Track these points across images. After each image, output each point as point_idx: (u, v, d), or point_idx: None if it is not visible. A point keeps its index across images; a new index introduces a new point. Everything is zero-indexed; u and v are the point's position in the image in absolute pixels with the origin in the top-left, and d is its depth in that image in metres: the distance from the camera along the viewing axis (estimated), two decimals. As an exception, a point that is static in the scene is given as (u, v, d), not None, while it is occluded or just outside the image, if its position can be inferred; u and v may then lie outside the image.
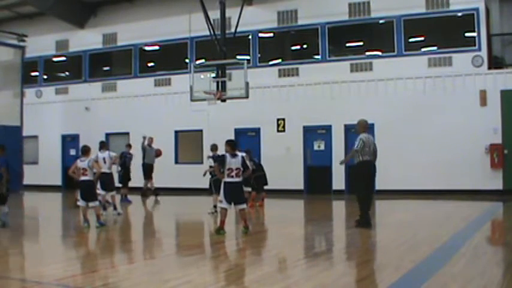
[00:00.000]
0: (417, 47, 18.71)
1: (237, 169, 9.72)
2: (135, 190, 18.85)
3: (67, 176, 13.85)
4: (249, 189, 14.10)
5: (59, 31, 23.88)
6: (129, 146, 17.40)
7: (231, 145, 9.94)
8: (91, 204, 11.08)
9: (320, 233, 11.00)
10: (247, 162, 10.14)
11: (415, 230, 10.30)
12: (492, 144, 17.33)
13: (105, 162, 13.60)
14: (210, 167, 13.50)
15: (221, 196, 9.86)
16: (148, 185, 18.39)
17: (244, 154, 10.42)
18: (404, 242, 9.24)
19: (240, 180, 9.82)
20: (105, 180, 13.38)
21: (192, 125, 20.92)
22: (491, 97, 17.54)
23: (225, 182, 9.78)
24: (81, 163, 11.06)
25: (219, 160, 10.07)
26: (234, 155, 9.80)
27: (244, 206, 9.99)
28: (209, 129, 20.05)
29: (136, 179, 17.79)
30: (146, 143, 18.31)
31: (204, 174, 13.81)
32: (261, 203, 15.27)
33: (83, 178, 11.02)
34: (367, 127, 10.74)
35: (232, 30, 17.52)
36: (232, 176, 9.72)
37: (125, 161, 16.47)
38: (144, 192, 18.42)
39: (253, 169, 14.03)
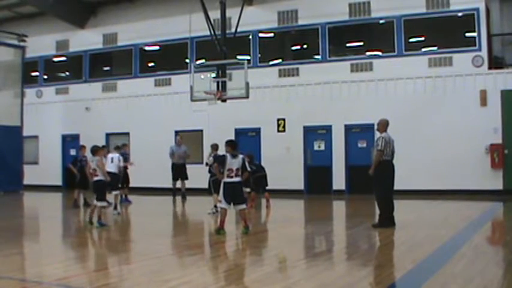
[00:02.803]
0: (417, 47, 18.70)
1: (237, 169, 9.74)
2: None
3: (67, 176, 13.93)
4: (248, 189, 14.08)
5: (59, 31, 23.88)
6: (125, 145, 17.26)
7: (232, 145, 9.95)
8: (99, 203, 11.22)
9: (320, 233, 11.00)
10: (246, 164, 10.16)
11: (415, 230, 10.29)
12: (492, 144, 17.32)
13: (112, 161, 13.71)
14: (207, 164, 13.54)
15: (221, 196, 9.89)
16: (177, 185, 18.12)
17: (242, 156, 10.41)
18: (404, 242, 9.24)
19: (240, 180, 9.84)
20: (111, 179, 13.51)
21: (192, 125, 20.91)
22: (491, 97, 17.53)
23: (224, 182, 9.79)
24: (92, 164, 11.43)
25: (220, 160, 10.07)
26: (234, 156, 9.81)
27: (243, 206, 10.00)
28: (209, 129, 20.05)
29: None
30: (174, 142, 18.46)
31: (206, 164, 13.78)
32: (268, 204, 15.26)
33: (94, 178, 11.36)
34: (388, 126, 10.72)
35: (233, 30, 17.53)
36: (231, 176, 9.73)
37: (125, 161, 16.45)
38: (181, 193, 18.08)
39: (253, 170, 14.05)
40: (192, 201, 17.79)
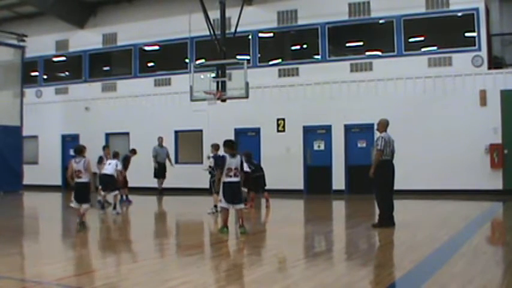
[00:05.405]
0: (417, 47, 18.70)
1: (235, 169, 9.79)
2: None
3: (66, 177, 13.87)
4: (245, 189, 14.04)
5: (58, 31, 23.87)
6: (133, 151, 17.05)
7: (230, 145, 9.99)
8: (84, 206, 10.71)
9: (320, 233, 11.00)
10: (244, 164, 10.20)
11: (415, 230, 10.30)
12: (492, 144, 17.32)
13: (109, 165, 13.86)
14: (210, 167, 13.51)
15: (221, 196, 9.94)
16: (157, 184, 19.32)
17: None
18: (404, 242, 9.25)
19: (239, 180, 9.87)
20: (108, 181, 13.59)
21: (192, 125, 20.92)
22: (491, 97, 17.53)
23: (224, 182, 9.82)
24: (76, 165, 10.64)
25: (220, 162, 10.11)
26: (233, 155, 9.85)
27: (241, 205, 10.04)
28: (209, 129, 20.06)
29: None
30: (157, 143, 19.34)
31: (209, 167, 13.79)
32: (267, 204, 15.27)
33: (77, 180, 10.65)
34: (388, 126, 10.73)
35: (232, 30, 17.53)
36: (230, 176, 9.77)
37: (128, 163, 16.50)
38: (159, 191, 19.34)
39: (252, 170, 14.06)
40: (192, 201, 17.80)
